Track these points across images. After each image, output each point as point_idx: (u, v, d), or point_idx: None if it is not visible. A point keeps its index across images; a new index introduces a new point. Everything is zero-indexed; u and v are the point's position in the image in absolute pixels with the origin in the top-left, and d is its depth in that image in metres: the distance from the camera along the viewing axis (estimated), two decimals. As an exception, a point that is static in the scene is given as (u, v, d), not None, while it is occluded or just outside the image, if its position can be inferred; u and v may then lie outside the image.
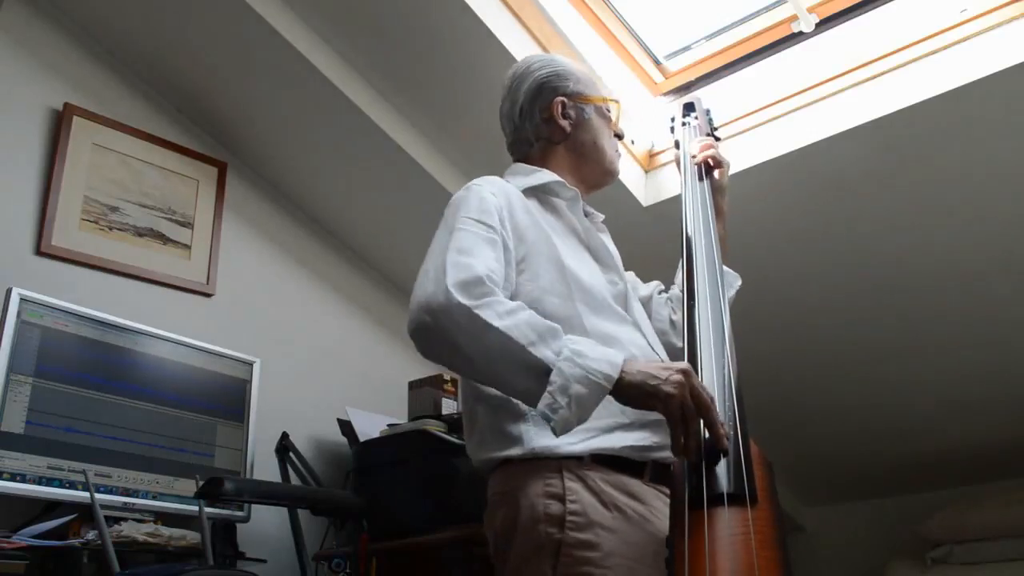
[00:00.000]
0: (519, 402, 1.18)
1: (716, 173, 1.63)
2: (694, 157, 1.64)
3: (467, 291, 1.09)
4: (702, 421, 1.08)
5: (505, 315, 1.09)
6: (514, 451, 1.19)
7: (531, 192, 1.39)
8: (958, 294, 2.33)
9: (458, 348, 1.10)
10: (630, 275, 1.63)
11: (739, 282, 1.65)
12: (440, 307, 1.09)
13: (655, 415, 1.10)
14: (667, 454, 1.17)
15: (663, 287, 1.68)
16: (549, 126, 1.47)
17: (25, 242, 2.09)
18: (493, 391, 1.22)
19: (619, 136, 1.56)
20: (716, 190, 1.62)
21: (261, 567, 2.09)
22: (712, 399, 1.09)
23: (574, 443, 1.17)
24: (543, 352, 1.07)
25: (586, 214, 1.52)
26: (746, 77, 2.31)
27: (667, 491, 1.21)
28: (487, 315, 1.08)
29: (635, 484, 1.19)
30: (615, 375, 1.06)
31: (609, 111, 1.53)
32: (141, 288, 2.28)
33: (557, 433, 1.06)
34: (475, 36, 2.06)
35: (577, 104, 1.48)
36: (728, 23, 2.32)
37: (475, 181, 1.34)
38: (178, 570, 1.67)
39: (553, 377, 1.05)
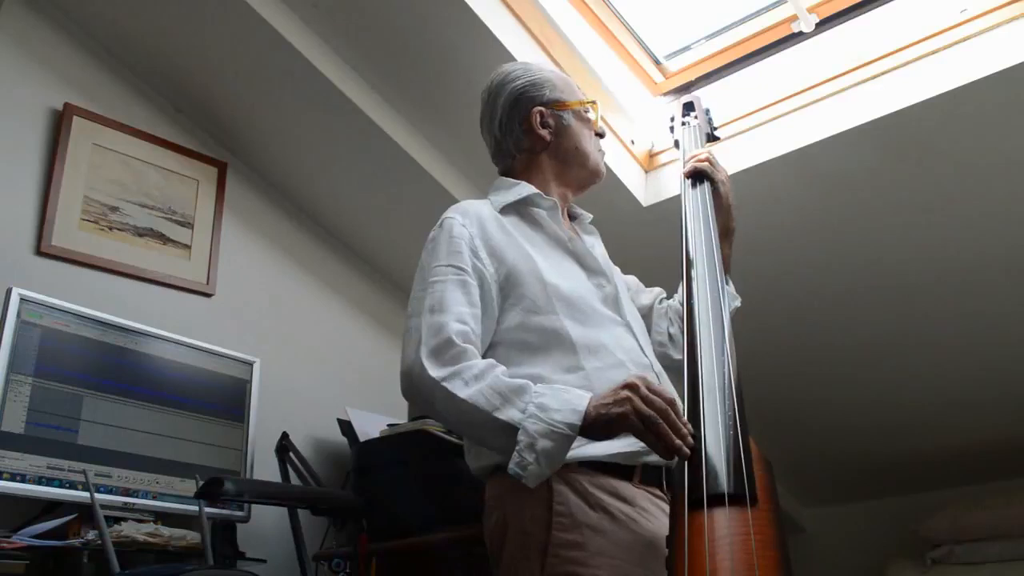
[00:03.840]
0: None
1: (721, 190, 1.58)
2: (684, 172, 1.61)
3: (438, 359, 1.19)
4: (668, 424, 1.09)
5: (472, 381, 1.16)
6: (505, 458, 1.22)
7: (511, 208, 1.43)
8: (958, 293, 2.33)
9: (436, 412, 1.22)
10: (632, 279, 1.64)
11: (738, 302, 1.63)
12: (417, 378, 1.19)
13: None
14: (658, 457, 1.19)
15: (664, 295, 1.67)
16: (530, 137, 1.50)
17: (25, 242, 2.09)
18: None
19: (600, 135, 1.57)
20: (720, 209, 1.58)
21: (261, 567, 2.09)
22: (671, 400, 1.10)
23: None
24: (509, 414, 1.13)
25: (573, 216, 1.55)
26: (746, 77, 2.31)
27: (659, 493, 1.24)
28: (454, 387, 1.16)
29: (623, 486, 1.21)
30: (578, 421, 1.11)
31: (588, 112, 1.55)
32: (141, 288, 2.27)
33: (531, 487, 1.11)
34: (475, 36, 2.06)
35: (555, 112, 1.50)
36: (728, 23, 2.32)
37: (447, 212, 1.39)
38: (178, 570, 1.67)
39: (520, 436, 1.10)
